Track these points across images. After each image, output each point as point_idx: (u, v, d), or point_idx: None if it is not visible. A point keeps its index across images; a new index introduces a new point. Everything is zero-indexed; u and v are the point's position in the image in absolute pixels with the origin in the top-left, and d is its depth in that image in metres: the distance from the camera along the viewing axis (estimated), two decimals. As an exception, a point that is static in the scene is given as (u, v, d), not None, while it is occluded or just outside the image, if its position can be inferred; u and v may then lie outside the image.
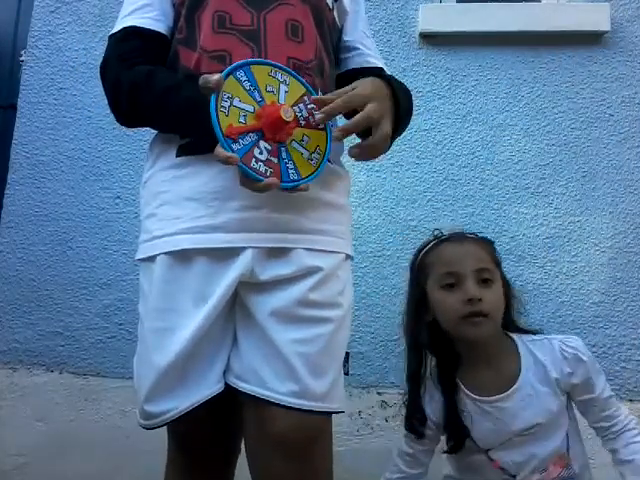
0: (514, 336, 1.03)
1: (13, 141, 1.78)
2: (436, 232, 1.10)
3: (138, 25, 0.80)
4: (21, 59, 1.89)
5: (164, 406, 0.72)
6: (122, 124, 0.82)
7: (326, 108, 0.69)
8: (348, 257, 0.81)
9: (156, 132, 0.84)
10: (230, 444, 0.88)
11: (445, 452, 1.01)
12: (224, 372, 0.75)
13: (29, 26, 1.86)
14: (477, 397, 0.99)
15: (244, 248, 0.72)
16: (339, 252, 0.78)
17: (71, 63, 1.81)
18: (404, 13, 1.78)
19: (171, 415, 0.72)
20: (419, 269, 1.06)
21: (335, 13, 0.89)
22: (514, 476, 0.97)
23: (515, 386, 0.98)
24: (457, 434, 0.98)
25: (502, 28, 1.73)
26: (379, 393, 1.60)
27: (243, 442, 0.81)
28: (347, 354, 0.79)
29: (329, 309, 0.74)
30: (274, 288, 0.73)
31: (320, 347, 0.71)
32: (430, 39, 1.75)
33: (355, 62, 0.92)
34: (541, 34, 1.73)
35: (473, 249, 1.02)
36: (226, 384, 0.74)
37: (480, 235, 1.08)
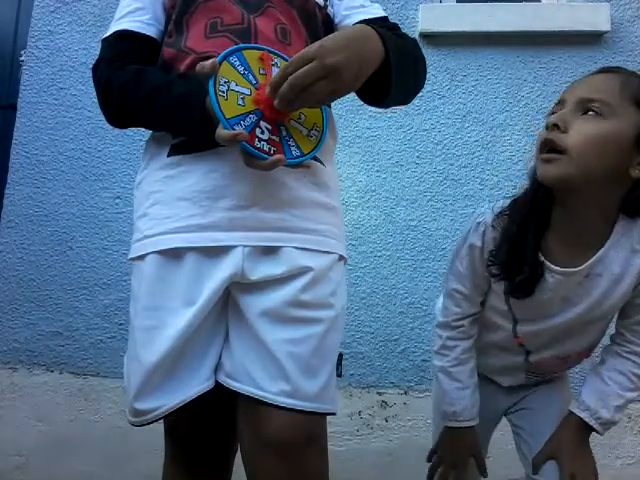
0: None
1: (13, 141, 1.79)
2: None
3: (129, 29, 0.81)
4: (21, 59, 1.89)
5: (152, 403, 0.72)
6: (113, 124, 0.82)
7: (278, 99, 0.65)
8: (341, 258, 0.80)
9: (151, 133, 0.84)
10: (226, 443, 0.88)
11: (509, 293, 0.87)
12: (216, 370, 0.75)
13: (29, 26, 1.86)
14: (555, 267, 0.83)
15: (234, 247, 0.72)
16: (331, 252, 0.77)
17: (71, 63, 1.82)
18: (404, 13, 1.79)
19: (160, 412, 0.72)
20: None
21: (331, 10, 0.87)
22: (529, 352, 0.93)
23: (591, 261, 0.82)
24: (535, 268, 0.83)
25: (502, 28, 1.73)
26: (379, 393, 1.60)
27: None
28: (340, 356, 0.79)
29: (320, 310, 0.73)
30: (265, 288, 0.73)
31: (311, 348, 0.71)
32: (430, 39, 1.75)
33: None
34: (541, 34, 1.73)
35: (605, 79, 0.78)
36: (219, 383, 0.74)
37: None
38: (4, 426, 1.61)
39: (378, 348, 1.63)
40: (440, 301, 1.01)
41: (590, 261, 0.82)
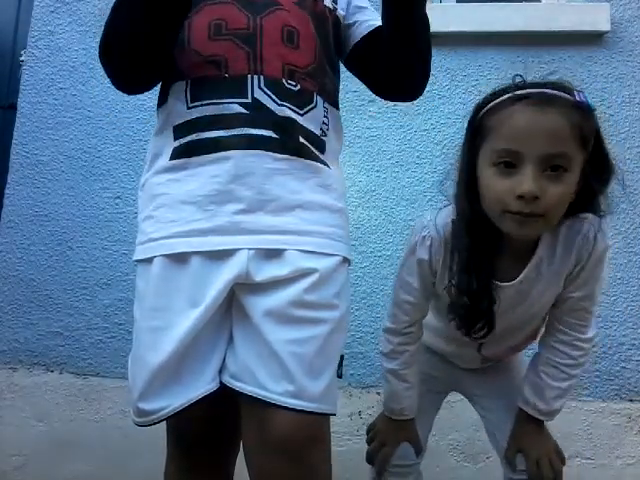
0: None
1: (13, 141, 1.78)
2: (517, 78, 0.81)
3: None
4: (21, 59, 1.89)
5: (158, 404, 0.72)
6: (121, 84, 0.79)
7: None
8: (345, 260, 0.81)
9: (152, 134, 0.84)
10: (229, 443, 0.88)
11: (468, 336, 0.90)
12: (220, 371, 0.75)
13: (29, 26, 1.85)
14: (504, 284, 0.87)
15: (239, 249, 0.73)
16: (335, 254, 0.78)
17: (71, 63, 1.81)
18: (404, 13, 1.79)
19: (165, 413, 0.72)
20: (476, 130, 0.82)
21: (341, 12, 0.88)
22: (481, 344, 0.97)
23: (527, 269, 0.86)
24: (490, 324, 0.87)
25: (502, 28, 1.72)
26: (379, 393, 1.60)
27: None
28: (341, 358, 0.79)
29: (324, 310, 0.74)
30: (269, 289, 0.73)
31: (315, 348, 0.71)
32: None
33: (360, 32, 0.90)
34: (541, 34, 1.73)
35: (553, 123, 0.74)
36: (223, 383, 0.74)
37: (580, 96, 0.79)
38: (4, 426, 1.61)
39: (378, 348, 1.62)
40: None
41: (527, 269, 0.86)
